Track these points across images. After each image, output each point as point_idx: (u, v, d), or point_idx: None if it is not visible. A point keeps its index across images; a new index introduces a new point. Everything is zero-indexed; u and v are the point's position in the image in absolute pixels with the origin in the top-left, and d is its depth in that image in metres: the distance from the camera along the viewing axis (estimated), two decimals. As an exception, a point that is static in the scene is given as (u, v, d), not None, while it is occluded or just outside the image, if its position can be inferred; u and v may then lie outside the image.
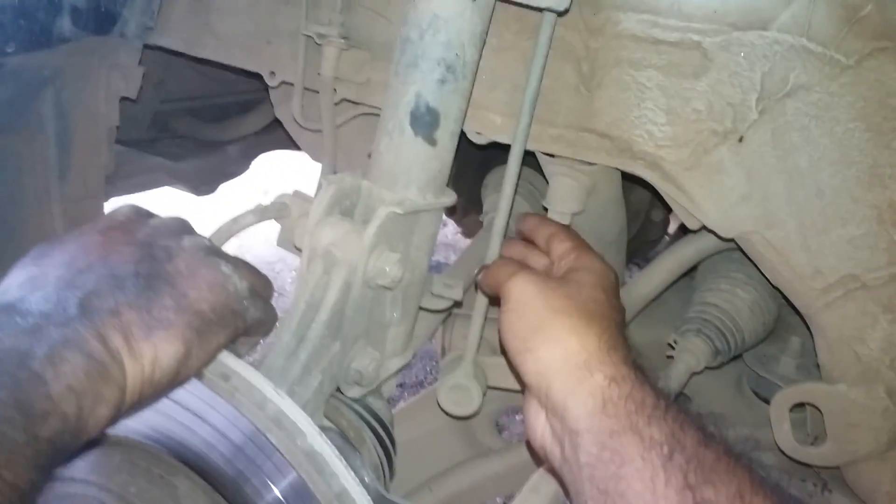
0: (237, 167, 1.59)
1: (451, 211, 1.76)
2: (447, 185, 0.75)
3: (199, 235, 0.53)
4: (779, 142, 0.74)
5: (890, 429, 0.82)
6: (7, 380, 0.36)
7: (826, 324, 0.81)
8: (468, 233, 1.76)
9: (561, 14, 0.69)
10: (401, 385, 2.09)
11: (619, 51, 0.76)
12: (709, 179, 0.78)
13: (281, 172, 2.53)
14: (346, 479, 0.45)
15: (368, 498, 0.45)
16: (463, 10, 0.63)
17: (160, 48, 1.05)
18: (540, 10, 0.69)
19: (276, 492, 0.46)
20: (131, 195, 1.35)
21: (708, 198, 0.79)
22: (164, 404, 0.46)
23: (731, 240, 0.82)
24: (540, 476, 0.74)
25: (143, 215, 0.54)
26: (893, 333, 0.79)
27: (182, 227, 0.53)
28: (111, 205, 1.26)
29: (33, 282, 0.45)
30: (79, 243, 0.49)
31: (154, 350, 0.43)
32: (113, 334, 0.42)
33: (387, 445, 0.67)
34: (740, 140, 0.75)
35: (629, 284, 1.08)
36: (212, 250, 0.51)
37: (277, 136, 1.45)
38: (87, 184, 1.17)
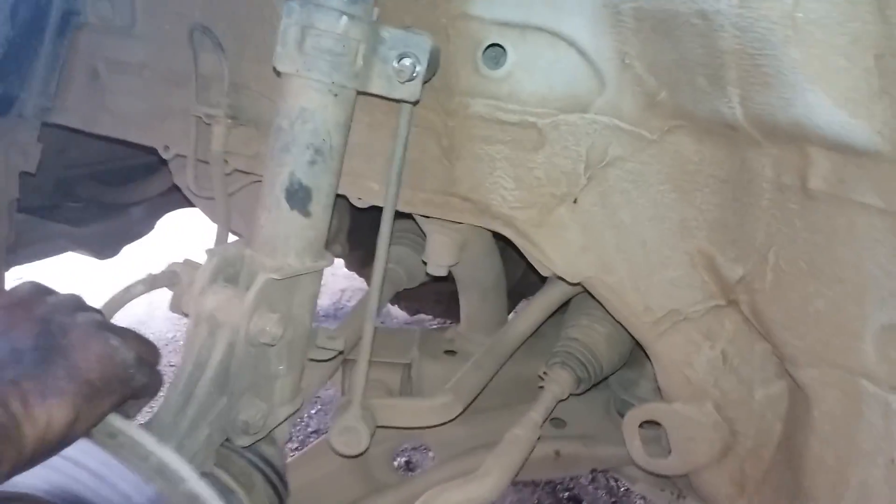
0: (142, 228, 1.64)
1: (350, 262, 1.85)
2: (344, 242, 0.84)
3: (92, 311, 0.61)
4: (605, 202, 0.88)
5: (721, 439, 0.96)
6: None
7: (659, 352, 0.95)
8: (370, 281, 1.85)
9: (414, 104, 0.81)
10: (315, 431, 2.14)
11: (471, 129, 0.89)
12: (554, 235, 0.91)
13: (188, 228, 2.56)
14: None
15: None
16: (326, 103, 0.74)
17: (57, 126, 1.11)
18: (395, 101, 0.80)
19: None
20: (33, 263, 1.38)
21: (554, 250, 0.92)
22: (56, 461, 0.53)
23: (579, 284, 0.96)
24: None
25: (42, 292, 0.61)
26: (715, 357, 0.93)
27: (77, 304, 0.60)
28: (13, 273, 1.29)
29: None
30: None
31: (48, 415, 0.50)
32: (13, 401, 0.49)
33: (277, 487, 0.75)
34: (575, 202, 0.89)
35: (509, 323, 1.20)
36: (103, 325, 0.59)
37: (182, 196, 1.52)
38: (-13, 254, 1.20)
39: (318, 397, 2.23)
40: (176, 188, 1.60)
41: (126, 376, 0.57)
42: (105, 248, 1.55)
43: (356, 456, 0.94)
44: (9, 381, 0.50)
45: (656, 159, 0.85)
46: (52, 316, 0.57)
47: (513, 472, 0.93)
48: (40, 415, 0.50)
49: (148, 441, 0.55)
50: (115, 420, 0.56)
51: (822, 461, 0.75)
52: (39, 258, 1.40)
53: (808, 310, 0.75)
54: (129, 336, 0.60)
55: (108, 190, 1.57)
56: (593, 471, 1.50)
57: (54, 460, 0.52)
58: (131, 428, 0.55)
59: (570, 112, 0.84)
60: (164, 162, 1.61)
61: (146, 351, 0.61)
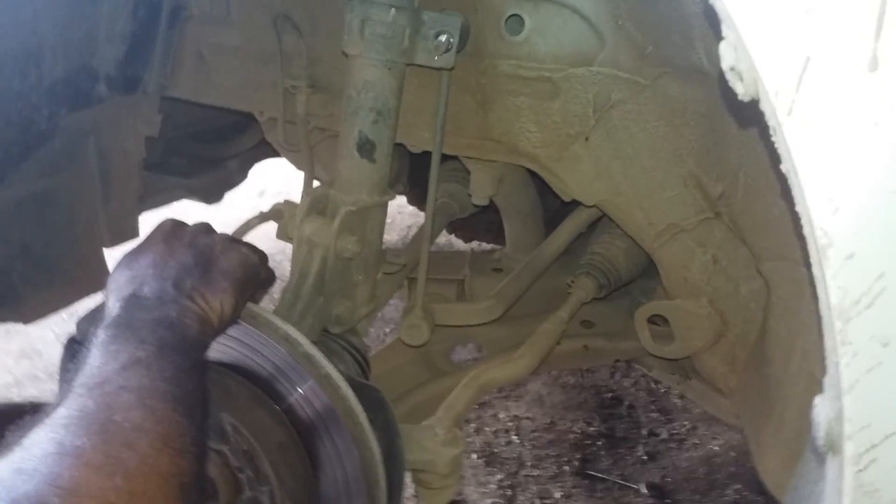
0: (238, 177, 1.93)
1: (412, 199, 2.11)
2: (405, 182, 1.08)
3: (220, 232, 0.85)
4: (611, 138, 1.08)
5: (714, 327, 1.16)
6: (169, 332, 0.67)
7: (662, 259, 1.16)
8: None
9: (450, 70, 1.03)
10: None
11: (499, 85, 1.10)
12: (570, 166, 1.13)
13: (272, 175, 2.87)
14: (329, 367, 0.80)
15: (341, 376, 0.80)
16: (383, 75, 0.97)
17: (172, 98, 1.39)
18: (435, 69, 1.02)
19: (300, 386, 0.80)
20: (157, 209, 1.69)
21: (572, 179, 1.13)
22: (221, 338, 0.78)
23: (594, 206, 1.17)
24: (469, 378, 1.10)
25: (181, 224, 0.83)
26: (707, 261, 1.14)
27: (208, 228, 0.83)
28: (144, 217, 1.60)
29: (135, 279, 0.73)
30: (152, 251, 0.77)
31: (221, 305, 0.73)
32: (199, 300, 0.72)
33: (362, 364, 1.03)
34: (586, 139, 1.09)
35: (544, 243, 1.43)
36: (232, 239, 0.83)
37: (268, 148, 1.79)
38: (125, 205, 1.51)
39: (391, 319, 2.53)
40: (262, 143, 1.89)
41: (257, 273, 0.81)
42: (211, 195, 1.85)
43: (420, 346, 1.21)
44: (190, 288, 0.73)
45: (650, 100, 1.04)
46: (196, 239, 0.79)
47: (542, 357, 1.17)
48: (216, 307, 0.73)
49: (276, 320, 0.81)
50: (252, 307, 0.82)
51: (778, 333, 0.96)
52: (161, 205, 1.71)
53: (767, 216, 0.95)
54: (249, 245, 0.85)
55: (206, 147, 1.87)
56: (617, 361, 1.73)
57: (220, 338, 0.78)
58: (265, 312, 0.82)
59: (578, 66, 1.04)
60: (250, 122, 1.89)
61: (261, 255, 0.86)
